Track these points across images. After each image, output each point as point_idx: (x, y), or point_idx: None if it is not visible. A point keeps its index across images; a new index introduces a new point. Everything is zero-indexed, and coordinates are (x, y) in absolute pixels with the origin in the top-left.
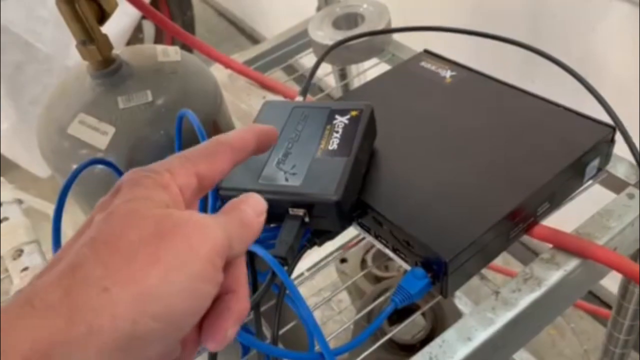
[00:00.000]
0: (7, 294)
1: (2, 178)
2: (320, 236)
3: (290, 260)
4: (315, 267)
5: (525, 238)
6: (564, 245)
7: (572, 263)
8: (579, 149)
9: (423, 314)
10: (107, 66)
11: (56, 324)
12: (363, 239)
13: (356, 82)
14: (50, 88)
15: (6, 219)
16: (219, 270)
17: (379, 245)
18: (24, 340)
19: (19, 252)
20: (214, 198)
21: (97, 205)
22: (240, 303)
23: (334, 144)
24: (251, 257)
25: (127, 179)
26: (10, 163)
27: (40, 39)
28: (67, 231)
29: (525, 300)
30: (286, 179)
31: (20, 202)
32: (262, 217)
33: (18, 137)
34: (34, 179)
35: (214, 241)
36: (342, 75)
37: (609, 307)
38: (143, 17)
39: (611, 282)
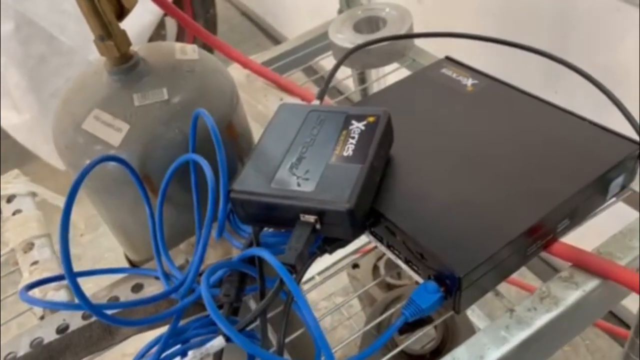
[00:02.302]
0: (16, 287)
1: (17, 170)
2: (332, 244)
3: (299, 267)
4: (327, 272)
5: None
6: (585, 264)
7: (592, 283)
8: (603, 165)
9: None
10: (124, 62)
11: None
12: (376, 246)
13: (375, 87)
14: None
15: (19, 211)
16: None
17: (391, 256)
18: None
19: (29, 246)
20: (225, 200)
21: None
22: None
23: (349, 150)
24: (260, 262)
25: None
26: (28, 155)
27: (64, 33)
28: (79, 225)
29: (541, 320)
30: (298, 184)
31: (34, 194)
32: None
33: (39, 129)
34: (52, 171)
35: None
36: (361, 79)
37: (626, 325)
38: (165, 14)
39: (629, 300)
